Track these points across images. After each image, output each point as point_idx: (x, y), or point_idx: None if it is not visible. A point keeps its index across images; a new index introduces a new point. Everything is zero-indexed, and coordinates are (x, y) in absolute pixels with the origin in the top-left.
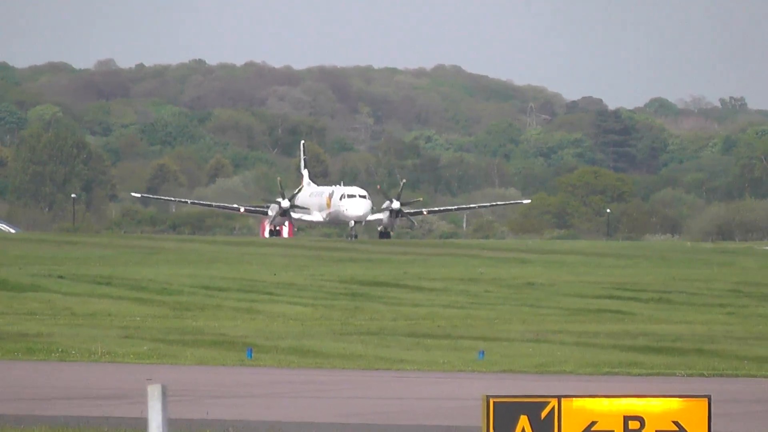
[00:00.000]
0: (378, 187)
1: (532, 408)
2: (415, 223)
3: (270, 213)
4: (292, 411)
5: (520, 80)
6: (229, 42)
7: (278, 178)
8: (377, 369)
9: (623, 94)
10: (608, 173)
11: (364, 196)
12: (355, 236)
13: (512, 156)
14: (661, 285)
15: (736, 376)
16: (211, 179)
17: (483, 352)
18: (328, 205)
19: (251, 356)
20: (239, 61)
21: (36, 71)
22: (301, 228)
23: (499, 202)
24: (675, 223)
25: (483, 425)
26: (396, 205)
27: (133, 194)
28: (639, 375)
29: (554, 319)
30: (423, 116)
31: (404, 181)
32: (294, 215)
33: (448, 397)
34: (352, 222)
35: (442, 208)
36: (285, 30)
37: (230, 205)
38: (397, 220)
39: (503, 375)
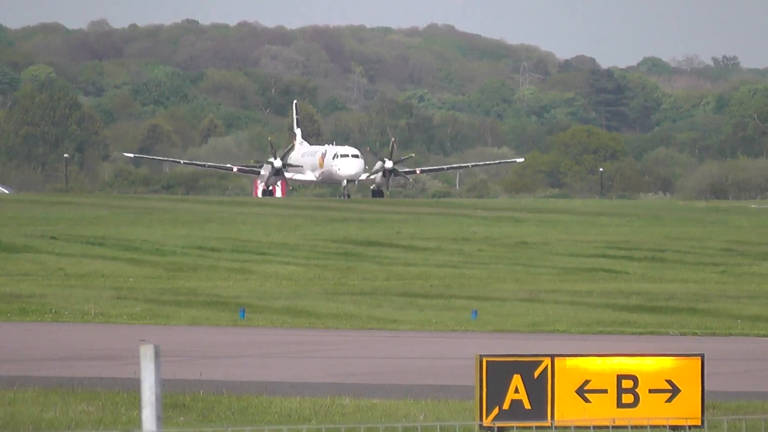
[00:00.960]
0: (368, 149)
1: (525, 367)
2: (410, 179)
3: (263, 173)
4: (286, 371)
5: (512, 39)
6: (221, 2)
7: (270, 138)
8: (370, 329)
9: (616, 53)
10: (601, 132)
11: (356, 156)
12: (348, 195)
13: (505, 115)
14: (654, 244)
15: (730, 334)
16: (204, 139)
17: (476, 312)
18: (321, 165)
19: (244, 316)
20: (232, 21)
21: (29, 32)
22: (294, 187)
23: (492, 161)
24: (668, 181)
25: (476, 384)
26: (389, 164)
27: (125, 154)
28: (632, 334)
29: (547, 278)
30: (416, 76)
31: (393, 139)
32: (287, 174)
33: (442, 356)
34: (345, 181)
35: (435, 167)
36: None
37: (223, 165)
38: (391, 179)
39: (496, 334)
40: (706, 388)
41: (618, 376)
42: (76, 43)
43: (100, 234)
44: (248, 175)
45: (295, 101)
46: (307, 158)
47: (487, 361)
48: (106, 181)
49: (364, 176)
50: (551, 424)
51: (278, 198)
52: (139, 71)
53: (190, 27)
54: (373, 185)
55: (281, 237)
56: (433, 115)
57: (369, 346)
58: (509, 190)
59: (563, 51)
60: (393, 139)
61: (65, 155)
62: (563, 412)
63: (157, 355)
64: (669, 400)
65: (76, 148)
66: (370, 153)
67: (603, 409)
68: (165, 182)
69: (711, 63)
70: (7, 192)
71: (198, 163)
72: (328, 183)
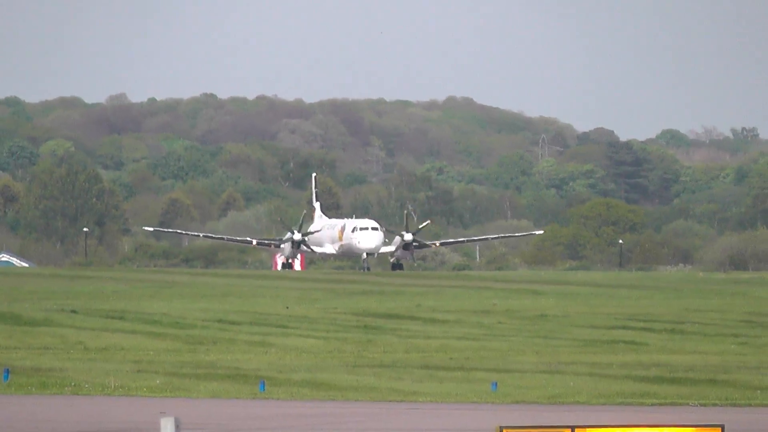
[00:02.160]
0: (405, 212)
1: None
2: (419, 262)
3: (282, 246)
4: None
5: (531, 112)
6: (240, 76)
7: (304, 212)
8: (390, 401)
9: (635, 126)
10: (620, 204)
11: (376, 229)
12: (368, 268)
13: (524, 188)
14: (674, 315)
15: (750, 405)
16: (223, 213)
17: (496, 384)
18: (341, 238)
19: (264, 389)
20: (250, 95)
21: (48, 106)
22: (313, 261)
23: (511, 234)
24: (687, 253)
25: None
26: (408, 236)
27: (145, 228)
28: (652, 405)
29: (567, 350)
30: (435, 148)
31: (406, 211)
32: (306, 248)
33: (462, 428)
34: (365, 254)
35: (454, 240)
36: (296, 63)
37: (242, 239)
38: (410, 251)
39: (516, 406)
40: None
41: None
42: (95, 118)
43: (120, 308)
44: (267, 248)
45: (314, 174)
46: (327, 231)
47: None
48: (126, 255)
49: (383, 249)
50: None
51: (298, 271)
52: (158, 145)
53: (208, 101)
54: (393, 258)
55: (301, 310)
56: (452, 187)
57: (389, 418)
58: (529, 263)
59: (582, 123)
60: (406, 211)
61: (85, 229)
62: None
63: (178, 427)
64: None
65: (95, 222)
66: (391, 224)
67: None
68: (184, 256)
69: (730, 135)
70: (27, 266)
71: (217, 236)
72: (348, 256)
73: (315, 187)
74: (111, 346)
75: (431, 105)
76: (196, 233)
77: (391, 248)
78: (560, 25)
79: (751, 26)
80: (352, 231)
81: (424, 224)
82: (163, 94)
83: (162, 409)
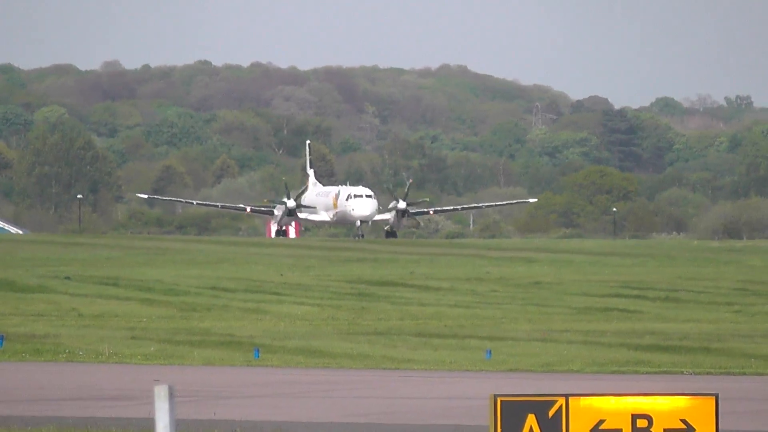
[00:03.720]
0: (388, 187)
1: (540, 407)
2: (421, 223)
3: (276, 213)
4: (300, 411)
5: (525, 80)
6: (234, 43)
7: (284, 179)
8: (384, 369)
9: (629, 94)
10: (614, 172)
11: (370, 196)
12: (362, 236)
13: (518, 155)
14: (668, 283)
15: (744, 374)
16: (217, 180)
17: (490, 352)
18: (335, 205)
19: (258, 356)
20: (245, 62)
21: (42, 73)
22: (308, 228)
23: (505, 202)
24: (681, 221)
25: (490, 424)
26: (402, 205)
27: (139, 195)
28: (646, 373)
29: (561, 318)
30: (428, 116)
31: (411, 181)
32: (300, 215)
33: (456, 396)
34: (359, 222)
35: (448, 208)
36: (290, 30)
37: (236, 206)
38: (404, 219)
39: (510, 374)
40: (720, 427)
41: (632, 415)
42: (89, 84)
43: (113, 274)
44: (261, 215)
45: (308, 141)
46: (321, 199)
47: (501, 401)
48: (120, 222)
49: (377, 217)
50: None
51: (292, 238)
52: (152, 112)
53: (203, 68)
54: (387, 226)
55: (295, 277)
56: (446, 155)
57: (383, 386)
58: (522, 231)
59: (576, 91)
60: (410, 180)
61: (78, 196)
62: None
63: (171, 395)
64: None
65: (89, 189)
66: (387, 191)
67: None
68: (178, 223)
69: (724, 103)
70: (21, 232)
71: (211, 203)
72: (342, 223)
73: (309, 155)
74: (105, 313)
75: (425, 72)
76: (189, 200)
77: (386, 216)
78: None
79: None
80: (347, 198)
81: (408, 184)
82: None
83: (156, 377)
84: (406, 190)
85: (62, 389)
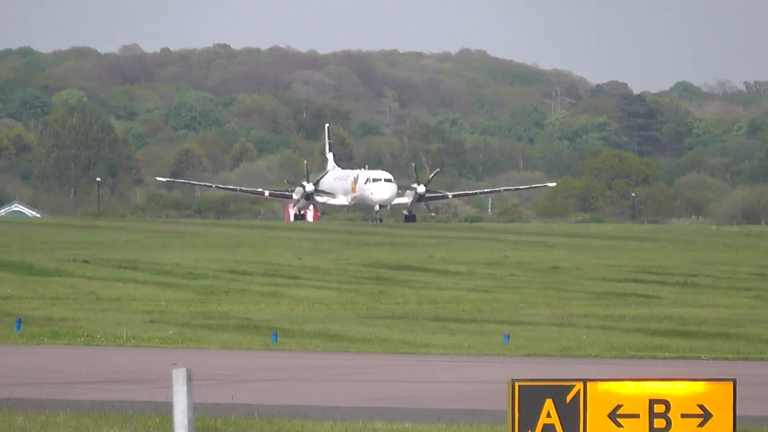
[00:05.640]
0: (413, 164)
1: (558, 391)
2: (434, 214)
3: (295, 197)
4: (317, 395)
5: (544, 64)
6: (253, 26)
7: (304, 162)
8: (402, 353)
9: (648, 78)
10: (633, 157)
11: (389, 180)
12: (380, 220)
13: (537, 140)
14: (687, 268)
15: (762, 359)
16: (236, 163)
17: (508, 336)
18: (353, 189)
19: (276, 340)
20: (264, 46)
21: (60, 56)
22: (326, 212)
23: (523, 186)
24: (700, 206)
25: (508, 409)
26: (421, 188)
27: (158, 179)
28: (664, 358)
29: (579, 303)
30: (448, 100)
31: (438, 170)
32: (319, 199)
33: (474, 380)
34: (377, 206)
35: (467, 192)
36: (310, 14)
37: (255, 189)
38: (422, 204)
39: (528, 359)
40: (738, 413)
41: (650, 400)
42: (108, 68)
43: (132, 258)
44: (280, 199)
45: (327, 125)
46: (340, 183)
47: (519, 386)
48: (138, 205)
49: (396, 200)
50: None
51: (310, 222)
52: (171, 95)
53: (221, 51)
54: (406, 210)
55: (313, 261)
56: (464, 139)
57: (401, 370)
58: (541, 215)
59: (595, 76)
60: (437, 170)
61: (97, 179)
62: None
63: (189, 378)
64: (701, 425)
65: (108, 172)
66: (408, 175)
67: None
68: (197, 206)
69: (743, 88)
70: (39, 216)
71: (230, 187)
72: (361, 207)
73: (328, 138)
74: (123, 297)
75: (444, 57)
76: (208, 184)
77: (405, 200)
78: None
79: None
80: (365, 182)
81: (434, 172)
82: (176, 44)
83: (174, 360)
84: (430, 176)
85: (80, 372)
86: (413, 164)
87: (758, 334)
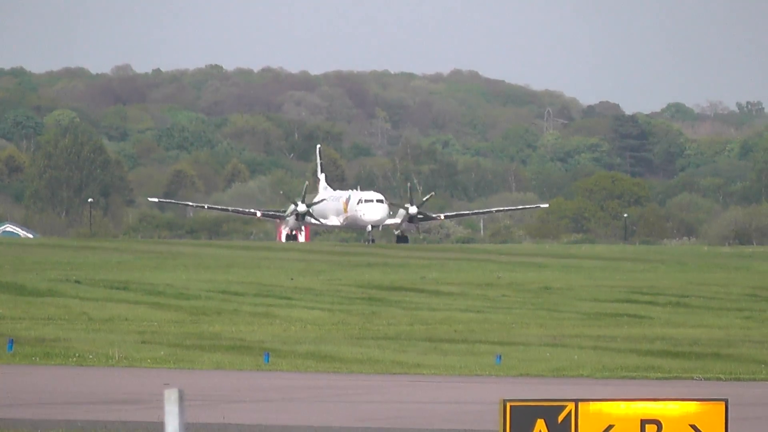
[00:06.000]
0: (408, 184)
1: (549, 412)
2: (424, 235)
3: (287, 218)
4: (309, 415)
5: (537, 85)
6: (245, 47)
7: (306, 183)
8: (394, 373)
9: (640, 99)
10: (625, 178)
11: (381, 201)
12: (373, 241)
13: (529, 161)
14: (679, 289)
15: (754, 380)
16: (228, 184)
17: (500, 357)
18: (345, 210)
19: (268, 361)
20: (256, 67)
21: (53, 76)
22: (318, 233)
23: (516, 207)
24: (692, 227)
25: (500, 429)
26: (413, 209)
27: (150, 199)
28: (656, 379)
29: (571, 324)
30: (440, 121)
31: (410, 184)
32: (311, 220)
33: (466, 401)
34: (369, 226)
35: (459, 213)
36: (301, 35)
37: (247, 210)
38: (413, 225)
39: (520, 379)
40: None
41: (642, 420)
42: (100, 88)
43: (124, 278)
44: (272, 219)
45: (318, 146)
46: (332, 203)
47: (511, 406)
48: (131, 226)
49: (388, 221)
50: None
51: (302, 243)
52: (163, 116)
53: (214, 72)
54: (398, 231)
55: (305, 282)
56: (456, 160)
57: (393, 390)
58: (533, 236)
59: (587, 97)
60: (432, 194)
61: (89, 200)
62: None
63: (181, 399)
64: None
65: (100, 192)
66: (401, 196)
67: None
68: (189, 227)
69: (735, 109)
70: (31, 236)
71: (222, 207)
72: (353, 228)
73: (320, 159)
74: (115, 317)
75: (436, 78)
76: (200, 204)
77: (396, 221)
78: None
79: (758, 0)
80: (357, 203)
81: (428, 196)
82: (168, 65)
83: (166, 380)
84: (424, 199)
85: (72, 393)
86: (409, 185)
87: (750, 355)
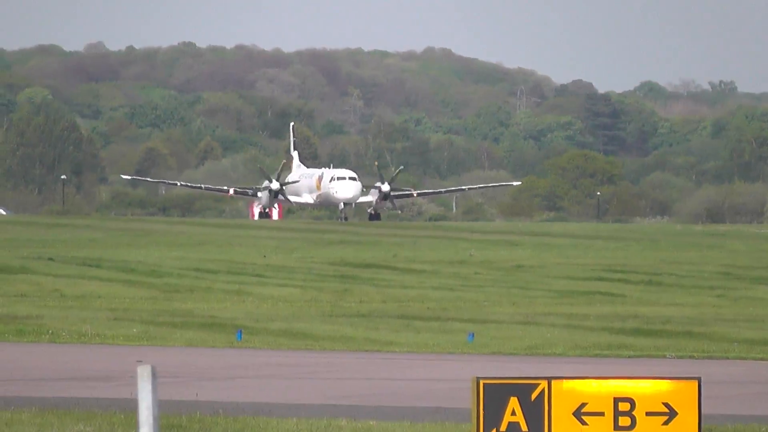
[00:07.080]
0: (376, 162)
1: (522, 390)
2: (400, 212)
3: (259, 195)
4: (282, 393)
5: (509, 63)
6: (218, 25)
7: (283, 161)
8: (367, 351)
9: (613, 78)
10: (598, 156)
11: (353, 179)
12: (345, 218)
13: (502, 139)
14: (651, 267)
15: (726, 358)
16: (201, 162)
17: (473, 334)
18: (318, 188)
19: (241, 338)
20: (229, 44)
21: (25, 54)
22: (291, 210)
23: (488, 185)
24: (665, 206)
25: (473, 407)
26: (386, 187)
27: (122, 177)
28: (629, 357)
29: (544, 302)
30: (412, 99)
31: (402, 167)
32: (283, 198)
33: (438, 378)
34: (342, 204)
35: (431, 191)
36: (274, 13)
37: (220, 187)
38: (387, 202)
39: (493, 357)
40: (702, 411)
41: (615, 398)
42: (73, 66)
43: (96, 256)
44: (245, 197)
45: (292, 123)
46: (305, 181)
47: (484, 384)
48: (103, 203)
49: (361, 199)
50: None
51: (275, 220)
52: (136, 94)
53: (186, 50)
54: (370, 208)
55: (278, 259)
56: (429, 138)
57: (365, 368)
58: (505, 214)
59: (560, 75)
60: (401, 167)
61: (62, 177)
62: None
63: (154, 376)
64: (666, 423)
65: (73, 170)
66: (373, 174)
67: None
68: (161, 204)
69: (708, 87)
70: (4, 213)
71: (194, 185)
72: (326, 206)
73: (293, 137)
74: (88, 294)
75: (409, 56)
76: (173, 182)
77: (370, 199)
78: None
79: None
80: (330, 181)
81: (398, 170)
82: (141, 42)
83: (138, 358)
84: (394, 174)
85: (44, 370)
86: (376, 163)
87: (722, 333)
